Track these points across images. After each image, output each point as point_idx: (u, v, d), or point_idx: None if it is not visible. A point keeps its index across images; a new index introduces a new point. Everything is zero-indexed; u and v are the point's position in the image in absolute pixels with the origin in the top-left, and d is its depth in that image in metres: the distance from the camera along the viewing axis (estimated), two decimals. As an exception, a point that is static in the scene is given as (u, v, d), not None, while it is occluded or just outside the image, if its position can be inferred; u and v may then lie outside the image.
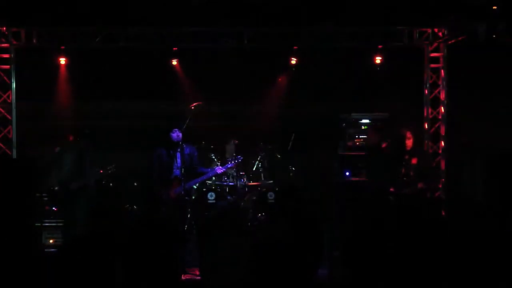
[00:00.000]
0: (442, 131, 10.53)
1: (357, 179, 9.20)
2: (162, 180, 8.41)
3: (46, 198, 9.28)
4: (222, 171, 9.08)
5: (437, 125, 10.55)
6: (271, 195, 10.18)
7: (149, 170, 8.70)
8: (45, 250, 8.21)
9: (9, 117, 10.24)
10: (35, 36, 10.05)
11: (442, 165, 10.52)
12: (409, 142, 9.05)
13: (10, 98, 10.23)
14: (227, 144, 10.57)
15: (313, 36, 10.19)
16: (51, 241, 8.94)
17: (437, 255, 4.98)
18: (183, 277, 7.98)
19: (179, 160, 8.42)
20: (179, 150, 8.43)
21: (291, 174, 10.29)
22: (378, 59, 10.46)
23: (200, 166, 8.95)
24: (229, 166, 9.18)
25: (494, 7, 8.15)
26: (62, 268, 5.74)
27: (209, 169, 9.32)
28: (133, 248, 6.24)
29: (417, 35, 10.31)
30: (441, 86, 10.51)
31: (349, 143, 9.42)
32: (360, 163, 9.32)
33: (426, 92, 10.56)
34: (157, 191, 8.35)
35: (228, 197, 10.11)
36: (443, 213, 9.07)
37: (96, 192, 10.27)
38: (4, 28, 9.90)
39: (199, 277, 7.26)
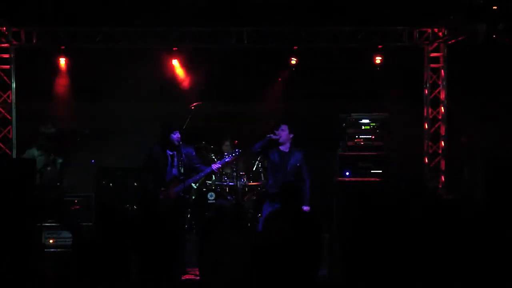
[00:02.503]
0: (442, 131, 10.53)
1: (357, 179, 9.19)
2: (157, 179, 8.39)
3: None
4: (219, 166, 8.98)
5: (437, 125, 10.55)
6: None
7: (143, 168, 8.67)
8: (45, 250, 8.20)
9: (9, 117, 10.25)
10: (35, 36, 10.06)
11: (442, 165, 10.53)
12: None
13: (10, 98, 10.24)
14: (223, 144, 10.57)
15: (313, 36, 10.19)
16: (51, 241, 8.93)
17: (436, 255, 4.98)
18: (183, 277, 7.99)
19: (175, 160, 8.43)
20: (177, 149, 8.43)
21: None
22: (378, 59, 10.46)
23: (200, 164, 8.88)
24: (226, 160, 9.13)
25: (494, 7, 8.14)
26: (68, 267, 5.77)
27: (207, 168, 9.21)
28: (133, 248, 6.25)
29: (417, 35, 10.32)
30: (441, 86, 10.51)
31: (349, 143, 9.42)
32: (360, 163, 9.33)
33: (426, 92, 10.57)
34: (153, 190, 8.33)
35: (228, 197, 10.11)
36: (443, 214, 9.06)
37: (96, 191, 10.30)
38: (4, 28, 9.90)
39: (199, 277, 7.27)
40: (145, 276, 6.23)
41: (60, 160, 8.37)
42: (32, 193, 7.34)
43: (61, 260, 7.83)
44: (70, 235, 8.72)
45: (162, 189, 8.31)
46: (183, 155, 8.39)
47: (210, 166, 8.84)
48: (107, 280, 5.72)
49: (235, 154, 9.16)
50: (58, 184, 8.38)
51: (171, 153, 8.44)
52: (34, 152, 8.30)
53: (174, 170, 8.45)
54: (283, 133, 8.63)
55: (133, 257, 5.90)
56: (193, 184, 9.72)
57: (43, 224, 8.40)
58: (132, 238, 6.27)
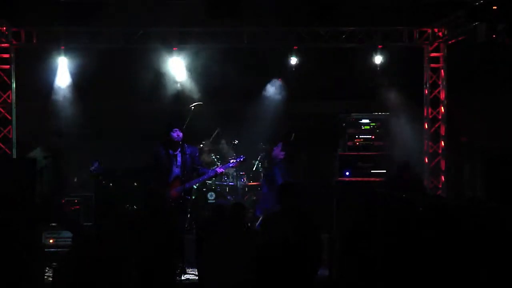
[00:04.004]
0: (442, 131, 10.53)
1: (357, 179, 9.20)
2: (160, 178, 8.41)
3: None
4: (222, 170, 9.05)
5: (437, 125, 10.55)
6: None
7: (146, 168, 8.70)
8: (45, 250, 8.21)
9: (9, 117, 10.24)
10: (35, 36, 10.06)
11: (442, 165, 10.52)
12: None
13: (10, 98, 10.24)
14: (221, 144, 10.59)
15: (313, 36, 10.19)
16: (51, 241, 8.95)
17: (436, 255, 4.98)
18: (183, 277, 7.99)
19: (179, 159, 8.43)
20: (179, 149, 8.44)
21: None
22: (378, 59, 10.45)
23: (201, 167, 8.94)
24: (230, 165, 9.17)
25: (494, 7, 8.15)
26: (68, 267, 5.76)
27: (210, 170, 9.30)
28: (134, 247, 6.25)
29: (417, 35, 10.32)
30: (441, 86, 10.51)
31: (349, 143, 9.42)
32: (360, 163, 9.34)
33: (426, 92, 10.57)
34: (156, 190, 8.34)
35: (228, 197, 10.12)
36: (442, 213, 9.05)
37: (96, 191, 10.31)
38: (4, 28, 9.90)
39: (198, 277, 7.26)
40: (145, 276, 6.23)
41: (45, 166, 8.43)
42: (32, 193, 7.34)
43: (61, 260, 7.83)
44: (70, 235, 8.75)
45: (164, 188, 8.32)
46: (187, 156, 8.42)
47: (212, 169, 8.89)
48: (103, 280, 5.71)
49: (239, 160, 9.18)
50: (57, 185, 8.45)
51: (173, 153, 8.45)
52: (38, 156, 8.39)
53: (177, 170, 8.46)
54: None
55: (132, 258, 5.89)
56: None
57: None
58: (132, 238, 6.26)
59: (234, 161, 9.15)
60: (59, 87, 10.60)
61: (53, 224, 8.87)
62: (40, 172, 8.22)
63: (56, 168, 8.50)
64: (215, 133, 10.60)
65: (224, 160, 10.34)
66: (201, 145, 10.42)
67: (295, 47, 10.43)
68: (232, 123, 11.04)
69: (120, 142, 10.85)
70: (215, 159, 10.48)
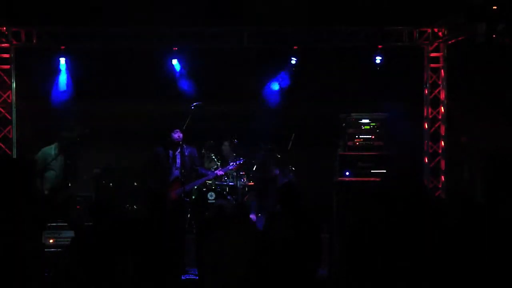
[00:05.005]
0: (442, 131, 10.53)
1: (357, 179, 9.19)
2: (160, 179, 8.42)
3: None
4: (222, 173, 9.07)
5: (437, 125, 10.56)
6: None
7: (146, 169, 8.71)
8: (45, 250, 8.20)
9: (9, 117, 10.25)
10: (35, 36, 10.06)
11: (442, 165, 10.53)
12: None
13: (10, 98, 10.24)
14: (222, 144, 10.59)
15: (313, 36, 10.19)
16: (51, 241, 8.93)
17: (436, 255, 4.98)
18: (183, 277, 8.00)
19: (178, 161, 8.43)
20: (179, 150, 8.44)
21: (290, 174, 10.29)
22: (378, 59, 10.45)
23: (201, 168, 8.95)
24: (230, 168, 9.18)
25: (494, 7, 8.14)
26: (65, 265, 5.76)
27: (210, 171, 9.32)
28: (134, 247, 6.25)
29: (417, 35, 10.32)
30: (441, 86, 10.52)
31: (349, 143, 9.41)
32: (360, 163, 9.33)
33: (426, 92, 10.57)
34: (156, 190, 8.35)
35: (228, 197, 10.12)
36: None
37: (96, 191, 10.32)
38: (4, 28, 9.91)
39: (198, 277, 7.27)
40: (145, 276, 6.23)
41: (68, 161, 8.54)
42: (31, 193, 7.34)
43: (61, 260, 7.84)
44: (70, 235, 8.73)
45: (164, 189, 8.32)
46: (186, 157, 8.41)
47: (212, 171, 8.90)
48: (104, 280, 5.72)
49: (239, 162, 9.18)
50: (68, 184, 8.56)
51: (172, 154, 8.44)
52: (51, 151, 8.51)
53: (176, 171, 8.46)
54: None
55: (130, 257, 5.89)
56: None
57: (50, 224, 8.42)
58: (131, 238, 6.27)
59: (234, 163, 9.16)
60: (59, 87, 10.60)
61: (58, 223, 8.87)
62: (48, 166, 8.38)
63: (70, 160, 8.67)
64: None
65: (224, 161, 10.34)
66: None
67: (295, 47, 10.43)
68: (232, 123, 11.03)
69: (120, 142, 10.84)
70: (215, 159, 10.48)
